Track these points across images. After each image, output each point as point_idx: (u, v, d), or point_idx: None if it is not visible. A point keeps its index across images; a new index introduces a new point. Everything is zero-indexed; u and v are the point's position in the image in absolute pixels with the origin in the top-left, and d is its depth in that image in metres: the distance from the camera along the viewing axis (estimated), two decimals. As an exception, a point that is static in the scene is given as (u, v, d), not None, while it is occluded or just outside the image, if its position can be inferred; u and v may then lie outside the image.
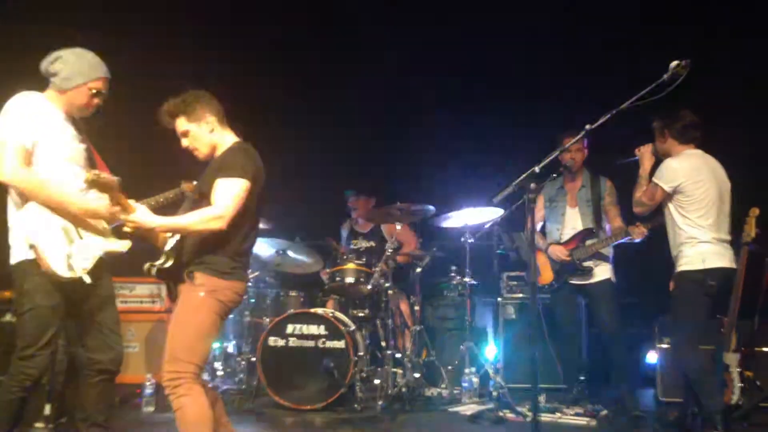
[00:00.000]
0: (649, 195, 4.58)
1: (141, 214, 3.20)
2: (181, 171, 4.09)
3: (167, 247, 3.32)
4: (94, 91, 3.57)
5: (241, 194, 3.21)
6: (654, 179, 4.54)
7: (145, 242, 3.45)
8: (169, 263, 3.29)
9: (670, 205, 4.53)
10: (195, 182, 4.01)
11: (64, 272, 3.34)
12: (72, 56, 3.53)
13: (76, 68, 3.52)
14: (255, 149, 3.43)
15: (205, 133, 3.39)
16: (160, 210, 3.36)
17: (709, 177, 4.45)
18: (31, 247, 3.31)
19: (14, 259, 3.41)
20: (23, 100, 3.45)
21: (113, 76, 3.65)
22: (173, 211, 3.42)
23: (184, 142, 3.43)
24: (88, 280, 3.44)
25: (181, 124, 3.39)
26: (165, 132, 3.43)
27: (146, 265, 3.30)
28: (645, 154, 4.74)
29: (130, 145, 5.94)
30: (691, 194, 4.42)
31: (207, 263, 3.25)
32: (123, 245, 3.62)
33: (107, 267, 3.64)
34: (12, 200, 3.43)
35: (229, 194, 3.19)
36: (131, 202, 3.25)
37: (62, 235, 3.39)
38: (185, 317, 3.23)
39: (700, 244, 4.41)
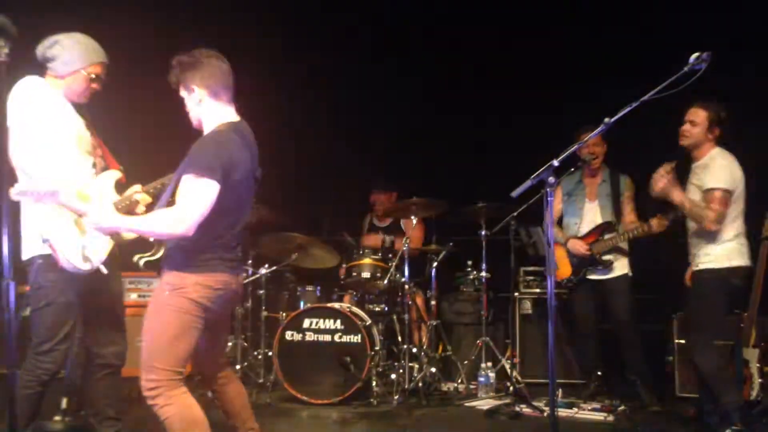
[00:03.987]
0: (724, 203, 4.26)
1: (95, 215, 3.02)
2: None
3: (152, 238, 3.17)
4: (92, 76, 3.54)
5: (207, 197, 2.93)
6: (722, 186, 4.24)
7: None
8: (158, 255, 3.14)
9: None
10: None
11: (80, 264, 3.35)
12: (69, 41, 3.49)
13: (74, 53, 3.48)
14: (237, 129, 3.14)
15: (194, 103, 3.14)
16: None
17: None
18: (45, 241, 3.28)
19: (28, 253, 3.39)
20: (30, 85, 3.42)
21: (118, 59, 3.62)
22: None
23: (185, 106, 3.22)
24: (105, 270, 3.45)
25: (180, 90, 3.18)
26: (166, 116, 3.31)
27: (135, 257, 3.16)
28: (665, 186, 4.36)
29: (134, 130, 5.96)
30: (738, 194, 4.36)
31: (173, 257, 3.05)
32: (129, 234, 3.59)
33: (117, 261, 3.64)
34: None
35: (192, 197, 2.93)
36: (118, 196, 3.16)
37: (75, 227, 3.38)
38: (152, 320, 3.03)
39: (727, 242, 4.33)
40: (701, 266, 4.41)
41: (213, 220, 2.99)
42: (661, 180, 4.38)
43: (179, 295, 2.98)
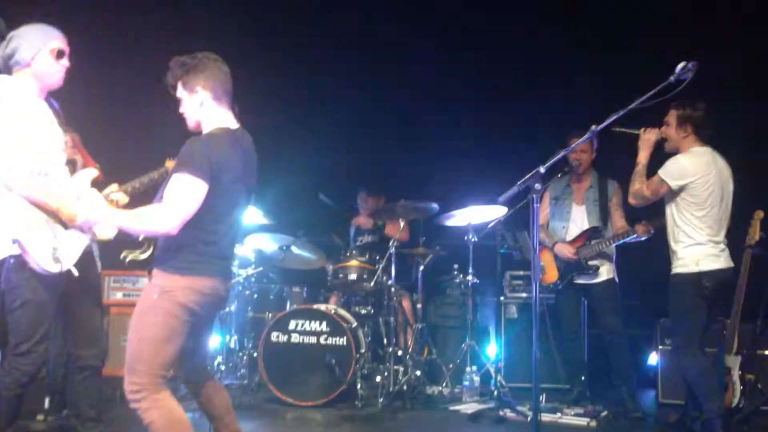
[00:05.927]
0: (653, 189, 4.45)
1: (83, 213, 3.01)
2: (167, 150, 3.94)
3: (141, 236, 3.15)
4: (57, 50, 3.50)
5: (193, 195, 2.89)
6: (661, 175, 4.39)
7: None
8: (147, 254, 3.15)
9: (671, 203, 4.45)
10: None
11: (50, 266, 3.29)
12: (21, 31, 3.49)
13: (31, 37, 3.47)
14: (234, 136, 3.12)
15: (195, 105, 3.11)
16: (148, 191, 3.24)
17: (715, 178, 4.36)
18: (15, 242, 3.24)
19: None
20: (4, 83, 3.40)
21: (101, 57, 3.59)
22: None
23: (180, 107, 3.18)
24: (76, 273, 3.41)
25: (178, 89, 3.14)
26: (148, 110, 3.26)
27: (123, 254, 3.19)
28: (649, 140, 4.55)
29: (114, 124, 5.92)
30: (696, 194, 4.34)
31: (163, 259, 2.99)
32: (109, 233, 3.55)
33: (94, 260, 3.61)
34: None
35: (179, 195, 2.89)
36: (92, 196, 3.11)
37: (46, 228, 3.33)
38: (139, 323, 2.97)
39: (696, 246, 4.35)
40: (673, 270, 4.46)
41: (203, 222, 2.95)
42: (651, 133, 4.54)
43: (168, 299, 2.92)
